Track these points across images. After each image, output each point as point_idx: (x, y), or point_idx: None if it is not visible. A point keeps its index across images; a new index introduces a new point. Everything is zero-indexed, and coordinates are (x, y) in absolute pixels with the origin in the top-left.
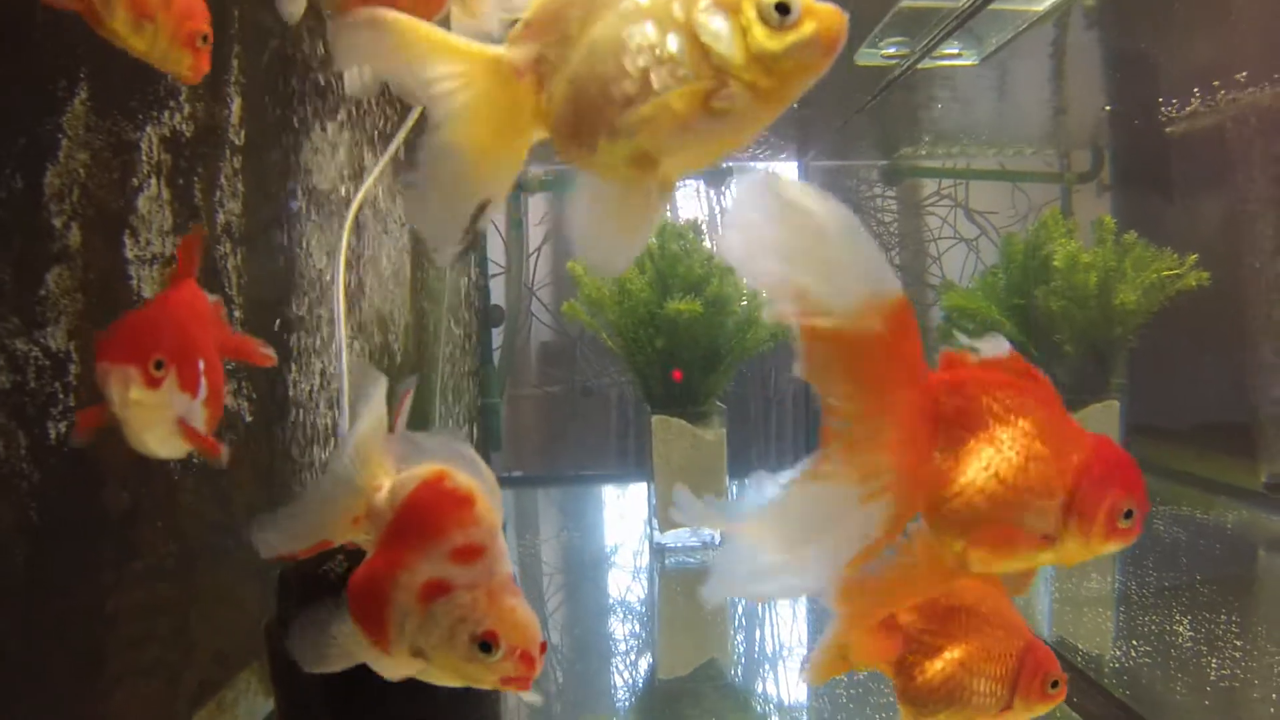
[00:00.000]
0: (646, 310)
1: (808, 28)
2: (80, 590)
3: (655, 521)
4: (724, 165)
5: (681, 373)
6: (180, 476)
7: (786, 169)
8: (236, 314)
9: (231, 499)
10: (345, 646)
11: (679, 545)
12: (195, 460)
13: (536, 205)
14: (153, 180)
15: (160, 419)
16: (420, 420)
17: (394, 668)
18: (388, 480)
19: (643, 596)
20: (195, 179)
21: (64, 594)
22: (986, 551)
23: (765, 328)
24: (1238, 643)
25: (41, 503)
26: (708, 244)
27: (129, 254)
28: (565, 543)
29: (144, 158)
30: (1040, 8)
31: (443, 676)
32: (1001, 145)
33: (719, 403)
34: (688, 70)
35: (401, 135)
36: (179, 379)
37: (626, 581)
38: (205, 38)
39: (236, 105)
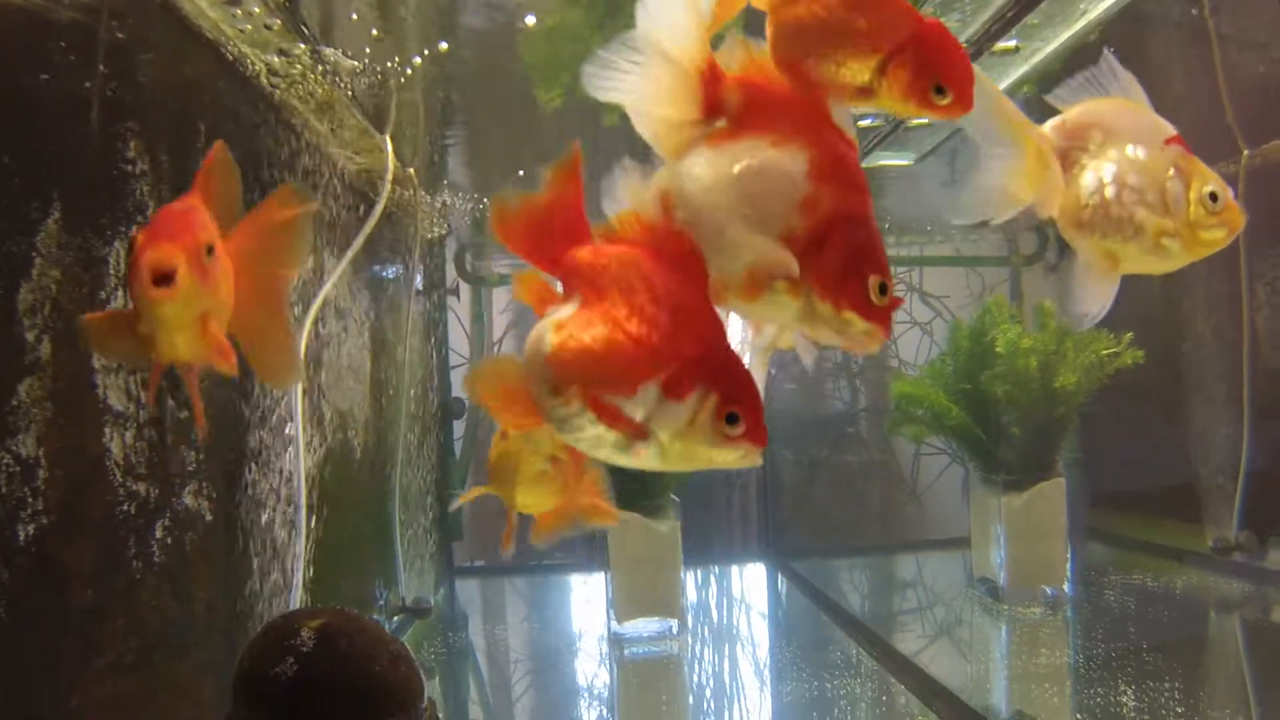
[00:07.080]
0: None
1: (1226, 215)
2: (44, 685)
3: (613, 612)
4: None
5: None
6: (142, 575)
7: None
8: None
9: (191, 595)
10: None
11: (636, 635)
12: (158, 562)
13: (500, 296)
14: (120, 292)
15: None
16: (378, 513)
17: None
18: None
19: (606, 683)
20: None
21: (29, 689)
22: None
23: None
24: (1179, 709)
25: (10, 601)
26: None
27: (96, 363)
28: (527, 632)
29: (112, 271)
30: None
31: None
32: (953, 233)
33: (674, 496)
34: (1159, 215)
35: (361, 239)
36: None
37: (589, 670)
38: (210, 249)
39: None
